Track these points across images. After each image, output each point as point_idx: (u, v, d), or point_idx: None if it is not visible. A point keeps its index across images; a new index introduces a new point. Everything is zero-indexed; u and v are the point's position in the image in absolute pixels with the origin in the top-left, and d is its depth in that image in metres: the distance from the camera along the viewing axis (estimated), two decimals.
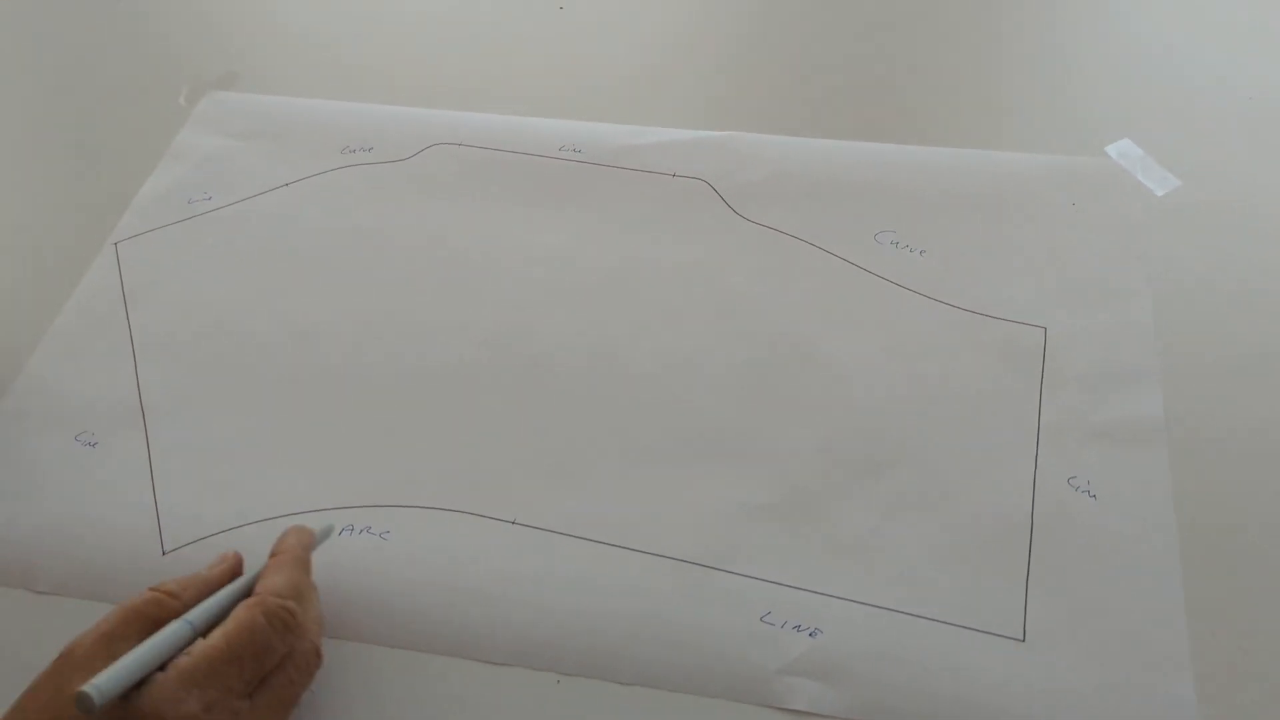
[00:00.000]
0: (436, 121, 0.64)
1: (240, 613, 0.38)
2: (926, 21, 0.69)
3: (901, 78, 0.65)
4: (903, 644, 0.42)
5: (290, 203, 0.60)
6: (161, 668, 0.35)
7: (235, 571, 0.42)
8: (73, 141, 0.65)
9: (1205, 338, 0.51)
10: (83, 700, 0.33)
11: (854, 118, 0.62)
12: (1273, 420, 0.48)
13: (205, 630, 0.38)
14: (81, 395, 0.52)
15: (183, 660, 0.36)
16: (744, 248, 0.56)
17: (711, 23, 0.71)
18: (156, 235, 0.59)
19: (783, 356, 0.52)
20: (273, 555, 0.42)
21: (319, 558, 0.43)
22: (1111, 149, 0.60)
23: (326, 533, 0.44)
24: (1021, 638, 0.42)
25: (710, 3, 0.73)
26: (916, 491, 0.46)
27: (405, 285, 0.56)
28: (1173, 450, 0.47)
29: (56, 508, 0.48)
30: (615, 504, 0.47)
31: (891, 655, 0.42)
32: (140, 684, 0.35)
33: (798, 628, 0.43)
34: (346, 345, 0.53)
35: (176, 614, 0.38)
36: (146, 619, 0.37)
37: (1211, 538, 0.45)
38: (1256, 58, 0.65)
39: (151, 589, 0.39)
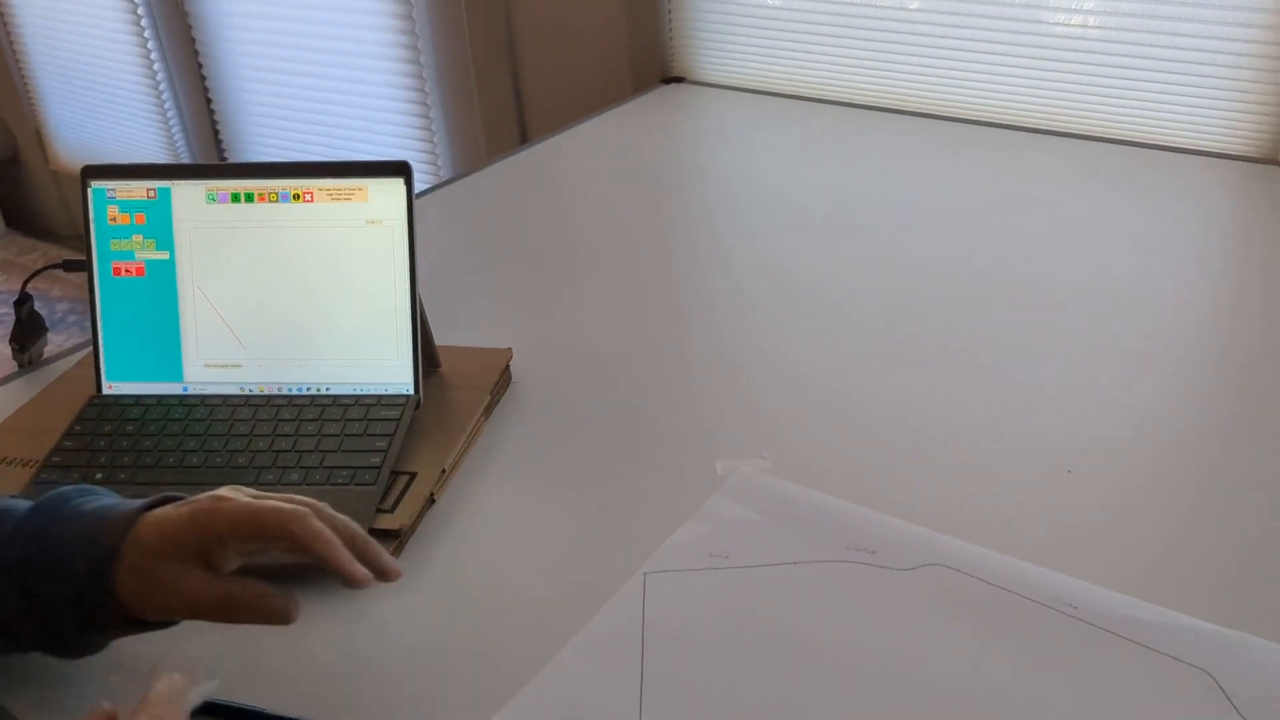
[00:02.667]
0: (938, 543, 0.69)
1: None
2: None
3: None
4: None
5: (796, 579, 0.67)
6: None
7: None
8: (627, 479, 0.78)
9: None
10: None
11: None
12: None
13: None
14: (592, 699, 0.59)
15: None
16: None
17: (1230, 516, 0.72)
18: (680, 575, 0.68)
19: None
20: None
21: None
22: None
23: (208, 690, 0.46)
24: None
25: (1226, 494, 0.73)
26: None
27: (883, 685, 0.59)
28: None
29: None
30: None
31: None
32: None
33: None
34: (810, 708, 0.57)
35: None
36: None
37: None
38: None
39: None
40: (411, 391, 0.82)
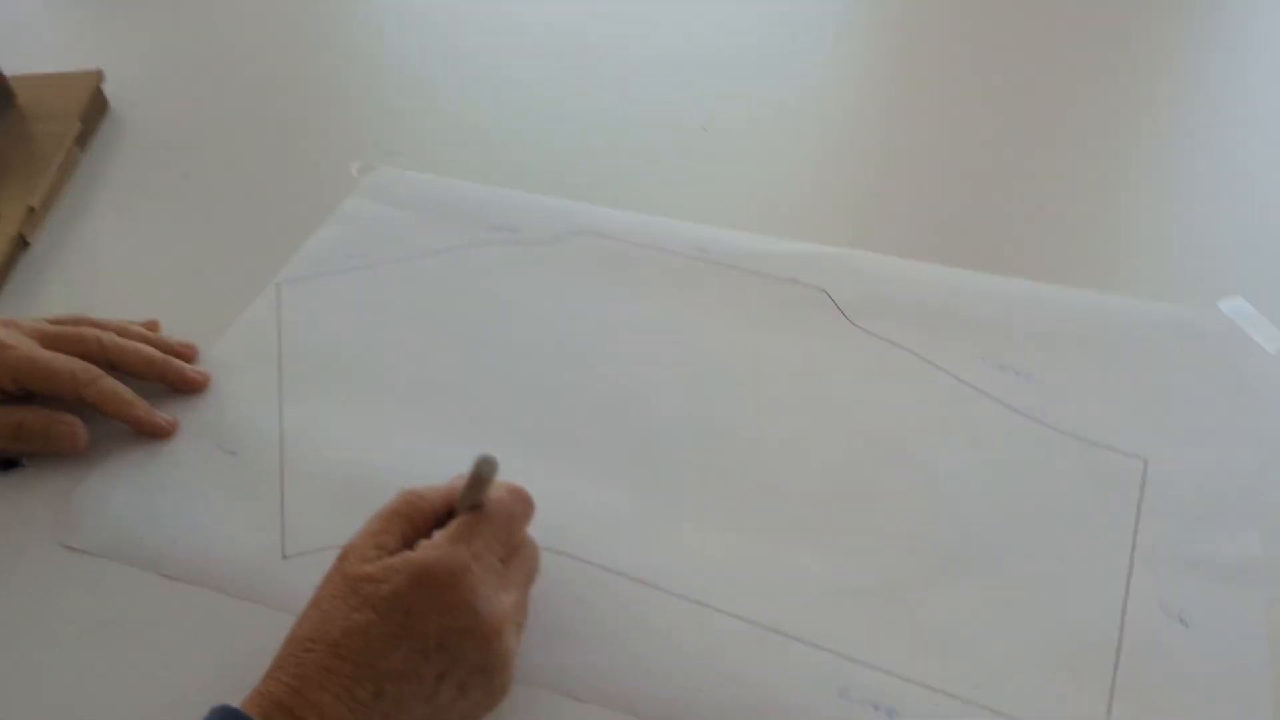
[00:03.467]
0: (581, 212, 0.69)
1: (492, 493, 0.43)
2: (1055, 164, 0.72)
3: (1024, 215, 0.68)
4: None
5: (438, 267, 0.65)
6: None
7: None
8: (255, 192, 0.72)
9: None
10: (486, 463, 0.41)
11: (973, 248, 0.65)
12: None
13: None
14: (231, 410, 0.57)
15: (450, 523, 0.42)
16: (853, 353, 0.59)
17: (843, 149, 0.76)
18: (315, 281, 0.65)
19: (879, 455, 0.53)
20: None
21: None
22: (1224, 305, 0.61)
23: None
24: None
25: (843, 130, 0.77)
26: (1003, 597, 0.47)
27: (532, 350, 0.60)
28: (1271, 592, 0.47)
29: (193, 504, 0.52)
30: (708, 566, 0.48)
31: None
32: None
33: (875, 706, 0.43)
34: (472, 397, 0.57)
35: (426, 514, 0.43)
36: (403, 518, 0.43)
37: None
38: None
39: (403, 491, 0.44)
40: None
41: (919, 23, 0.90)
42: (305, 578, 0.44)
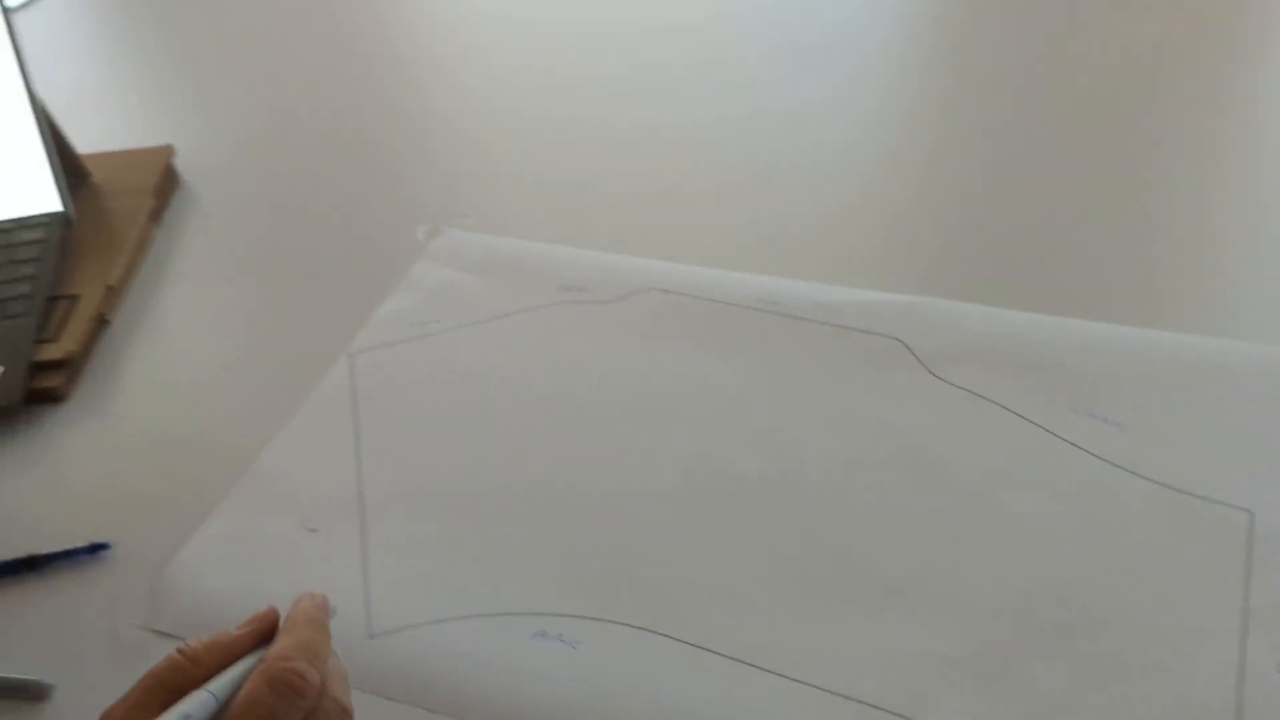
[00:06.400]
0: (645, 269, 0.69)
1: (247, 685, 0.36)
2: (1139, 203, 0.70)
3: (1107, 256, 0.66)
4: None
5: (509, 331, 0.65)
6: None
7: (265, 633, 0.40)
8: (325, 260, 0.73)
9: None
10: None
11: (1055, 292, 0.64)
12: None
13: (227, 700, 0.36)
14: (309, 487, 0.57)
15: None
16: (936, 405, 0.58)
17: (914, 192, 0.74)
18: (388, 351, 0.65)
19: (971, 513, 0.52)
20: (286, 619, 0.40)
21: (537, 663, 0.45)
22: None
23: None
24: None
25: (914, 173, 0.76)
26: (1109, 663, 0.45)
27: (607, 414, 0.59)
28: None
29: (277, 583, 0.52)
30: (800, 639, 0.47)
31: None
32: None
33: None
34: (550, 464, 0.57)
35: (197, 682, 0.37)
36: (169, 689, 0.36)
37: None
38: None
39: (175, 651, 0.37)
40: (59, 208, 0.72)
41: (992, 66, 0.89)
42: (392, 657, 0.43)
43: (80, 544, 0.54)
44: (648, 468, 0.56)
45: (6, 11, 0.71)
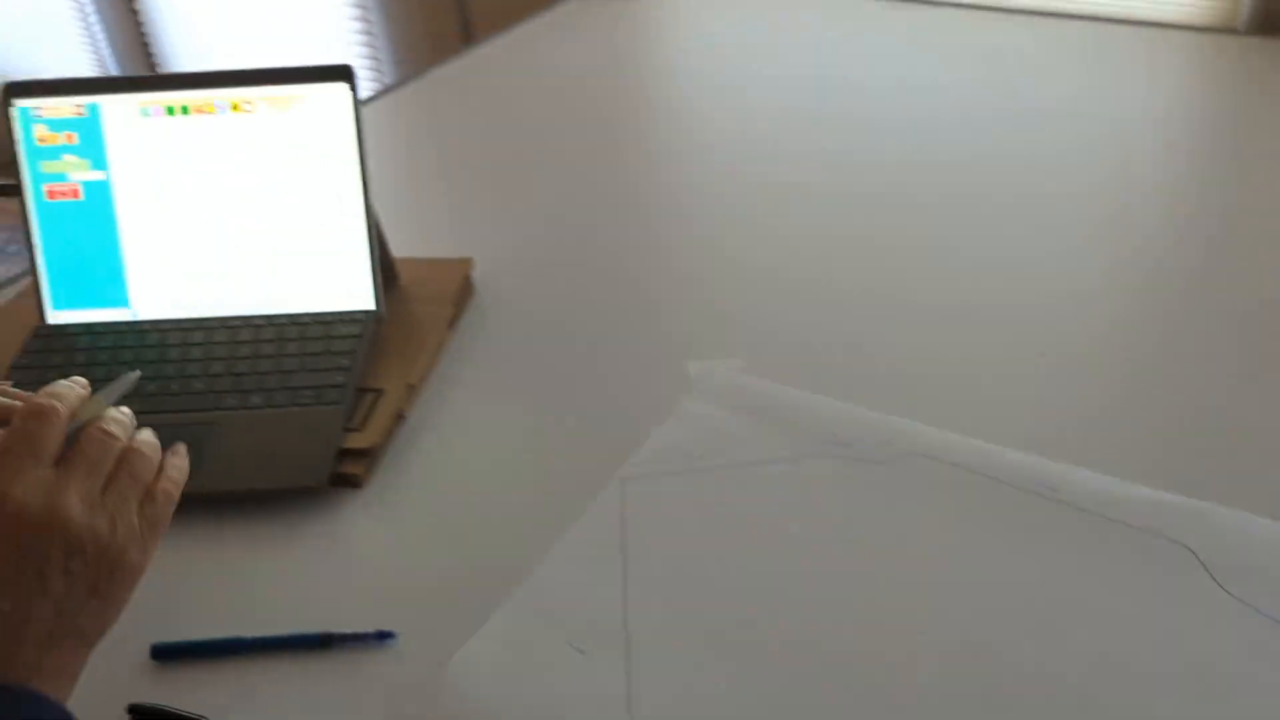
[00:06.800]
0: (916, 433, 0.69)
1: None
2: None
3: None
4: None
5: (776, 478, 0.67)
6: None
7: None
8: (599, 381, 0.77)
9: None
10: None
11: None
12: None
13: None
14: (579, 607, 0.59)
15: None
16: (1224, 623, 0.55)
17: (1191, 384, 0.72)
18: (658, 481, 0.67)
19: None
20: None
21: None
22: None
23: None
24: None
25: (1191, 364, 0.74)
26: None
27: (871, 579, 0.59)
28: None
29: (547, 703, 0.54)
30: None
31: None
32: None
33: None
34: (805, 620, 0.57)
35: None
36: None
37: None
38: None
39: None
40: (373, 307, 0.80)
41: None
42: None
43: (369, 629, 0.58)
44: (904, 649, 0.55)
45: (359, 114, 0.79)
